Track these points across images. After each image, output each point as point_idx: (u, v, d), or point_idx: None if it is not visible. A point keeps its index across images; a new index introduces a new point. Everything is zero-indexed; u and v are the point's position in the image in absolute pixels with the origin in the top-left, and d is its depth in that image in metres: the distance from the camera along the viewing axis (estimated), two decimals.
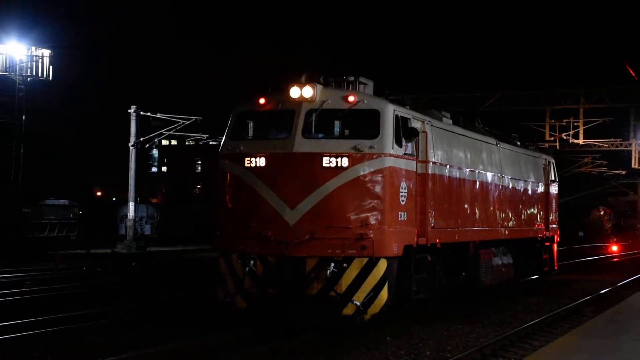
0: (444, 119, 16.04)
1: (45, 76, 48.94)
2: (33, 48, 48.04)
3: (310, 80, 13.34)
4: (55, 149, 62.03)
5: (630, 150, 53.45)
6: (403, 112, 13.76)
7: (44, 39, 36.81)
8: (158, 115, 40.53)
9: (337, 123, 13.24)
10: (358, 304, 12.57)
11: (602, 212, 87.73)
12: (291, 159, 12.91)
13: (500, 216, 18.71)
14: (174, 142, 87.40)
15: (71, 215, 42.41)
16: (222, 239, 13.48)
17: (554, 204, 23.85)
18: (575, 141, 51.51)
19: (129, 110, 39.91)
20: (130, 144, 39.81)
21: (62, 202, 42.87)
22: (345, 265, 12.64)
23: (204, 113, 42.10)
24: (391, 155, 13.06)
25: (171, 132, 42.19)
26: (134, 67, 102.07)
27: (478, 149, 17.41)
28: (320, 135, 13.16)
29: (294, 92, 13.20)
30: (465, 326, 14.54)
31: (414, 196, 13.83)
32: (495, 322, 15.27)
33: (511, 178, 19.64)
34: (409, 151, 13.73)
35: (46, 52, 48.92)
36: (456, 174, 15.87)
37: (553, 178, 23.77)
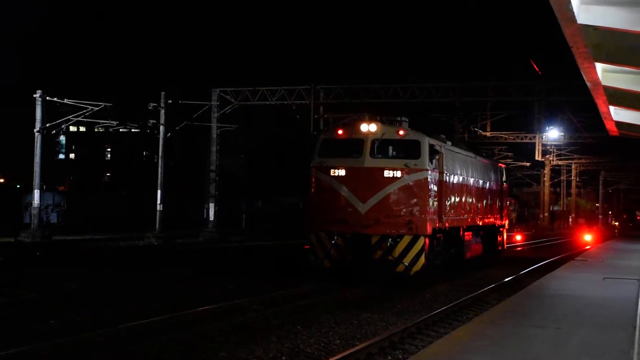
0: (447, 142, 22.64)
1: None
2: None
3: (373, 119, 20.11)
4: None
5: (534, 143, 55.41)
6: (432, 141, 20.55)
7: None
8: (65, 100, 39.21)
9: (390, 148, 20.08)
10: (407, 264, 19.38)
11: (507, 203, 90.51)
12: (363, 171, 19.82)
13: (477, 208, 25.74)
14: (82, 129, 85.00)
15: None
16: (313, 222, 20.15)
17: (505, 200, 31.65)
18: (483, 133, 53.00)
19: (34, 95, 38.45)
20: (35, 130, 38.40)
21: None
22: (398, 239, 19.47)
23: (114, 99, 41.01)
24: (427, 170, 19.92)
25: (79, 118, 40.97)
26: (41, 48, 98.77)
27: (466, 162, 24.54)
28: (379, 156, 19.83)
29: (364, 127, 19.97)
30: (374, 314, 14.80)
31: (437, 195, 20.55)
32: (404, 311, 15.60)
33: (482, 181, 26.82)
34: (434, 166, 20.48)
35: None
36: (456, 179, 22.90)
37: (505, 180, 31.76)
